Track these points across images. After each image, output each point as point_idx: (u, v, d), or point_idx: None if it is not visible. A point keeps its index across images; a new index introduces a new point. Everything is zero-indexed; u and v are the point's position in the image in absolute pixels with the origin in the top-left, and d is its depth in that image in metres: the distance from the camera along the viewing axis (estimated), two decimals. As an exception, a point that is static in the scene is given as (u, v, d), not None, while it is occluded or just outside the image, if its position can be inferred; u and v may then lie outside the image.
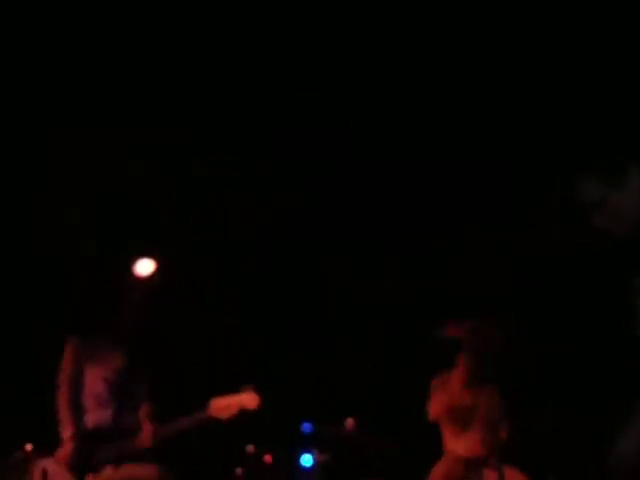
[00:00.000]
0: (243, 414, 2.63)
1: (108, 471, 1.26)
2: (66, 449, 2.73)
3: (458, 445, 3.59)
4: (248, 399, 2.64)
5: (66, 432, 2.79)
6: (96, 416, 2.86)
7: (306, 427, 3.36)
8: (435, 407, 3.52)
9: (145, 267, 3.20)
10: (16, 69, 3.11)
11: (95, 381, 2.92)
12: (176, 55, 3.21)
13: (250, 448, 4.01)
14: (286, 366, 4.36)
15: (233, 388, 2.68)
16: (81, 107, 3.39)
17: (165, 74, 3.28)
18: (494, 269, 4.05)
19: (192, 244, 3.97)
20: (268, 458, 3.96)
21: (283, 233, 4.12)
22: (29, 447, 2.84)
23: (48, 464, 2.77)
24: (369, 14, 3.23)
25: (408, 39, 3.27)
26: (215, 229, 4.04)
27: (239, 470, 3.95)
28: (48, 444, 2.87)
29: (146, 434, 2.72)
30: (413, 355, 4.00)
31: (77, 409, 2.90)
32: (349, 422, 3.28)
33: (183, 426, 2.64)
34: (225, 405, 2.65)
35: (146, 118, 3.52)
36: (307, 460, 3.72)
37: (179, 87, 3.39)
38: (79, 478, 2.56)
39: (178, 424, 2.66)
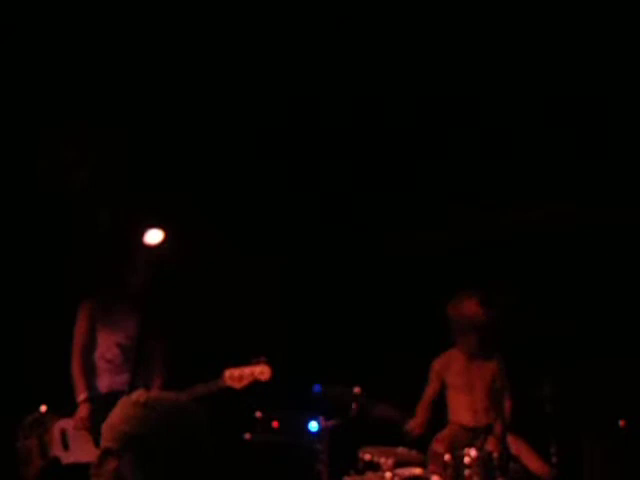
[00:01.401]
0: (255, 384, 2.69)
1: (140, 392, 1.31)
2: (81, 412, 2.81)
3: (462, 415, 3.67)
4: (261, 370, 2.70)
5: (80, 396, 2.86)
6: (111, 381, 2.93)
7: (316, 388, 3.42)
8: (444, 372, 3.59)
9: (154, 237, 3.22)
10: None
11: (110, 347, 2.98)
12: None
13: (258, 414, 4.08)
14: (296, 335, 4.42)
15: (246, 358, 2.74)
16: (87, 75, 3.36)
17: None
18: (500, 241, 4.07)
19: (204, 211, 3.97)
20: (275, 424, 4.03)
21: (294, 193, 4.12)
22: (44, 408, 2.90)
23: (66, 424, 2.84)
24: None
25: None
26: (229, 192, 4.03)
27: (247, 435, 4.03)
28: (62, 406, 2.94)
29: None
30: (422, 327, 4.05)
31: (90, 373, 2.96)
32: (356, 390, 3.34)
33: (197, 393, 2.71)
34: (238, 375, 2.71)
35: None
36: (313, 426, 3.79)
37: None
38: (97, 439, 2.62)
39: (193, 391, 2.72)
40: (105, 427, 1.28)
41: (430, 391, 3.70)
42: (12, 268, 3.60)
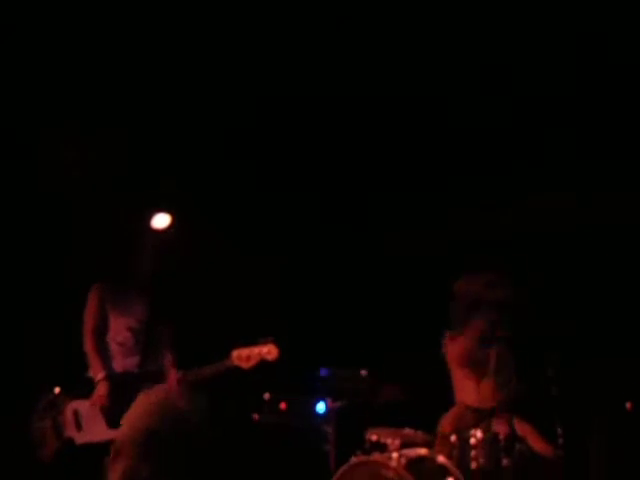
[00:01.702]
0: (263, 364, 2.73)
1: (157, 392, 1.34)
2: (100, 390, 2.85)
3: (468, 396, 3.69)
4: (268, 350, 2.74)
5: (98, 375, 2.91)
6: (123, 363, 2.98)
7: (322, 372, 3.47)
8: (451, 352, 3.62)
9: (161, 221, 3.25)
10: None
11: (120, 330, 3.04)
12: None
13: (266, 395, 4.14)
14: (303, 317, 4.46)
15: (253, 339, 2.78)
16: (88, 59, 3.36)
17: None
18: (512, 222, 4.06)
19: (210, 193, 3.99)
20: (283, 405, 4.09)
21: (302, 178, 4.14)
22: (57, 390, 2.96)
23: (79, 405, 2.90)
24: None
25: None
26: (238, 175, 4.05)
27: (256, 416, 4.10)
28: (74, 387, 3.00)
29: (171, 380, 2.83)
30: (428, 308, 4.06)
31: (105, 353, 3.02)
32: (363, 372, 3.38)
33: (206, 373, 2.75)
34: (246, 355, 2.75)
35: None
36: (321, 407, 3.85)
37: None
38: (110, 419, 2.68)
39: (201, 371, 2.77)
40: (124, 421, 1.31)
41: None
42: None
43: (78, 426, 2.86)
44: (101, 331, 3.07)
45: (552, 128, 3.76)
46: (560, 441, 3.23)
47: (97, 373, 2.92)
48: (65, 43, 3.26)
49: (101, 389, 2.84)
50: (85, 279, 3.16)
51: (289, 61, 3.59)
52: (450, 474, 3.08)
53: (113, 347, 3.04)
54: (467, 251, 4.04)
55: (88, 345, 3.01)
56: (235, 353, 2.77)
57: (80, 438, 2.84)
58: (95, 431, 2.78)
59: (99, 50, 3.33)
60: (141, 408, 1.18)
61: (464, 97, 3.72)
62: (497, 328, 3.62)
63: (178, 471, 1.18)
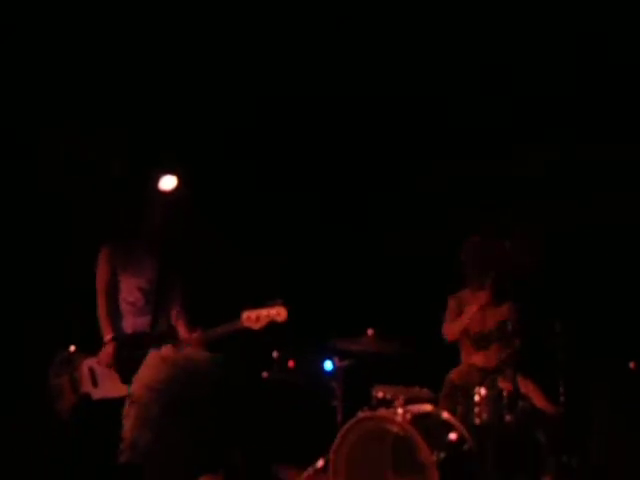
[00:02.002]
0: (272, 325, 2.79)
1: (168, 349, 1.37)
2: (107, 350, 2.94)
3: (474, 356, 3.76)
4: (277, 312, 2.78)
5: (106, 336, 2.99)
6: (134, 323, 3.04)
7: (327, 343, 3.53)
8: (451, 330, 3.68)
9: (168, 182, 3.26)
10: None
11: (131, 290, 3.08)
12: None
13: (275, 354, 4.23)
14: (311, 280, 4.52)
15: (263, 301, 2.82)
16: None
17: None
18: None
19: (219, 156, 3.99)
20: (291, 363, 4.18)
21: (312, 143, 4.14)
22: (72, 348, 3.04)
23: (94, 363, 2.99)
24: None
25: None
26: (244, 140, 4.04)
27: (265, 374, 4.20)
28: (89, 346, 3.07)
29: (182, 340, 2.89)
30: (434, 272, 4.10)
31: (115, 314, 3.08)
32: (369, 332, 3.43)
33: (216, 334, 2.81)
34: (255, 316, 2.80)
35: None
36: (328, 366, 3.94)
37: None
38: (123, 376, 2.76)
39: (211, 332, 2.82)
40: (136, 378, 1.34)
41: (451, 317, 3.75)
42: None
43: (94, 382, 2.95)
44: (112, 292, 3.09)
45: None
46: (562, 399, 3.30)
47: (106, 334, 2.99)
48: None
49: (108, 349, 2.92)
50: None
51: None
52: (454, 429, 3.17)
53: (124, 307, 3.07)
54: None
55: (100, 307, 3.06)
56: (245, 314, 2.81)
57: (96, 394, 2.94)
58: (110, 387, 2.86)
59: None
60: (153, 361, 1.22)
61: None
62: (502, 293, 3.67)
63: (188, 413, 1.22)
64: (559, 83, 3.66)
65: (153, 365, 1.30)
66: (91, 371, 2.98)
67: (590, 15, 3.33)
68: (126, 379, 2.77)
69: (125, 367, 2.81)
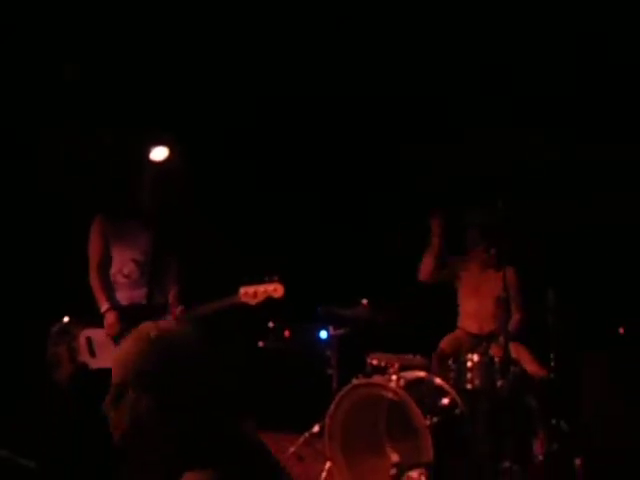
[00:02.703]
0: (269, 301, 2.81)
1: (147, 324, 1.34)
2: (109, 319, 2.93)
3: (469, 322, 3.81)
4: (274, 288, 2.81)
5: (103, 307, 2.98)
6: (130, 295, 3.03)
7: (320, 309, 3.57)
8: (425, 264, 3.72)
9: (160, 153, 3.23)
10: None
11: (125, 262, 3.06)
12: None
13: (271, 324, 4.28)
14: (306, 251, 4.54)
15: (260, 277, 2.84)
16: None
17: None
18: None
19: (212, 126, 3.97)
20: (287, 332, 4.24)
21: (302, 112, 4.12)
22: (67, 318, 3.04)
23: (92, 333, 3.00)
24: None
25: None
26: (240, 108, 4.02)
27: (261, 343, 4.25)
28: (83, 316, 3.07)
29: (179, 313, 2.91)
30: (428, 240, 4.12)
31: (109, 285, 3.07)
32: (363, 302, 3.47)
33: (213, 309, 2.83)
34: (253, 292, 2.82)
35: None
36: (323, 334, 3.99)
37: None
38: None
39: (208, 307, 2.85)
40: (116, 363, 1.29)
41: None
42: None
43: (91, 352, 2.98)
44: (105, 264, 3.06)
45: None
46: (553, 364, 3.36)
47: (102, 305, 2.97)
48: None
49: (110, 318, 2.92)
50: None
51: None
52: (446, 394, 3.24)
53: (119, 279, 3.05)
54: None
55: (92, 279, 3.04)
56: (242, 290, 2.83)
57: (94, 363, 2.97)
58: (108, 358, 2.89)
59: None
60: (131, 348, 1.20)
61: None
62: (499, 258, 3.71)
63: (166, 393, 1.18)
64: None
65: (134, 349, 1.26)
66: (89, 341, 2.99)
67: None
68: None
69: (123, 339, 2.83)
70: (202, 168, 4.04)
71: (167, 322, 1.38)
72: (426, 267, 3.77)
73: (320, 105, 4.14)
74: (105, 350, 2.93)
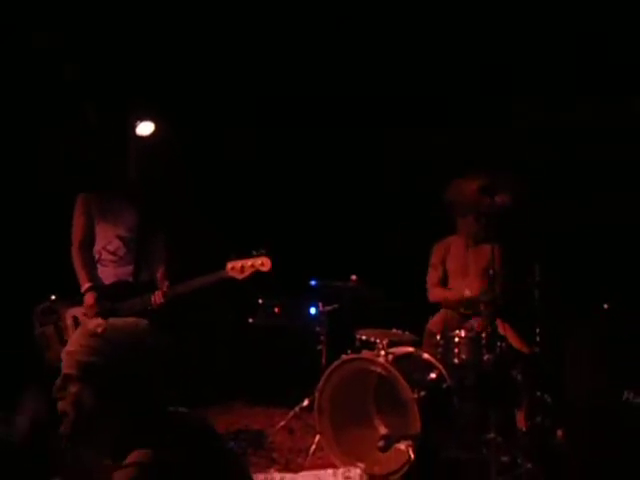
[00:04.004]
0: (257, 275, 2.83)
1: (97, 320, 1.40)
2: (88, 300, 2.93)
3: (456, 289, 3.82)
4: (261, 262, 2.81)
5: (84, 286, 2.96)
6: (116, 272, 3.01)
7: (313, 283, 3.59)
8: (434, 296, 3.78)
9: (145, 128, 3.20)
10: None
11: (111, 239, 3.03)
12: None
13: (260, 300, 4.31)
14: (295, 227, 4.55)
15: (247, 251, 2.85)
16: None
17: None
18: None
19: (199, 103, 3.93)
20: (277, 309, 4.27)
21: (293, 86, 4.10)
22: (53, 297, 3.02)
23: (77, 312, 2.99)
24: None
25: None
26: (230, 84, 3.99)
27: (251, 320, 4.29)
28: (69, 295, 3.06)
29: (165, 290, 2.92)
30: (419, 216, 4.15)
31: (93, 265, 3.03)
32: (352, 278, 3.50)
33: (200, 284, 2.84)
34: (240, 267, 2.83)
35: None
36: (312, 311, 4.04)
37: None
38: None
39: (195, 282, 2.85)
40: (64, 354, 1.35)
41: (435, 275, 3.87)
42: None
43: None
44: (89, 242, 3.02)
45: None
46: (538, 339, 3.43)
47: (83, 284, 2.95)
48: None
49: (88, 299, 2.91)
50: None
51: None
52: (434, 368, 3.30)
53: (105, 256, 3.02)
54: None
55: (75, 258, 3.00)
56: (229, 265, 2.83)
57: None
58: None
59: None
60: (79, 341, 1.24)
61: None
62: (485, 233, 3.74)
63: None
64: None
65: (82, 343, 1.32)
66: (75, 320, 2.98)
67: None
68: None
69: (107, 316, 2.83)
70: (189, 142, 4.02)
71: (119, 320, 1.43)
72: (437, 298, 3.85)
73: (311, 74, 4.11)
74: None
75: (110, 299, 2.93)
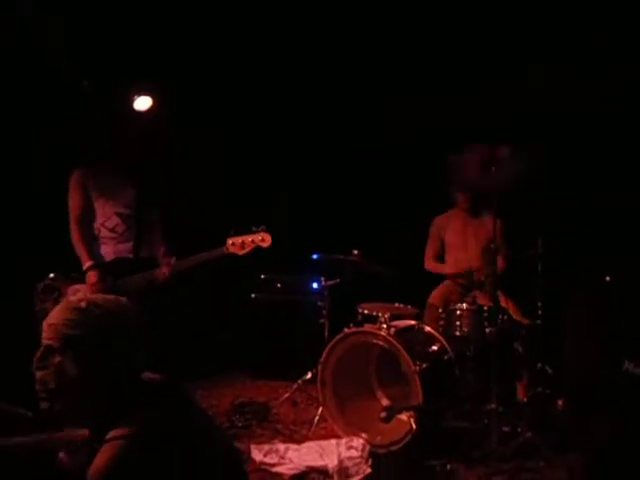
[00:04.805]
0: (257, 250, 2.84)
1: (80, 294, 1.45)
2: (91, 278, 2.92)
3: (458, 262, 3.83)
4: (262, 238, 2.82)
5: (86, 264, 2.94)
6: (115, 249, 2.99)
7: (315, 256, 3.60)
8: (432, 268, 3.80)
9: (143, 103, 3.16)
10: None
11: (109, 216, 3.00)
12: None
13: (262, 276, 4.33)
14: (297, 201, 4.54)
15: (246, 227, 2.85)
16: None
17: None
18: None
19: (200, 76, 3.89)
20: (279, 284, 4.29)
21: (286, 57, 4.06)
22: (52, 275, 2.95)
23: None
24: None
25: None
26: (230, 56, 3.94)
27: (253, 295, 4.31)
28: (69, 273, 3.05)
29: (166, 265, 2.92)
30: (421, 190, 4.13)
31: (92, 243, 2.98)
32: (355, 252, 3.50)
33: (200, 260, 2.85)
34: (240, 243, 2.84)
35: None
36: (315, 285, 4.05)
37: None
38: None
39: (196, 258, 2.86)
40: (45, 325, 1.39)
41: (431, 249, 3.91)
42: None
43: None
44: (87, 219, 2.98)
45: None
46: (540, 312, 3.44)
47: (84, 263, 2.93)
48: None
49: (91, 277, 2.89)
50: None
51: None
52: (436, 341, 3.32)
53: (104, 233, 2.99)
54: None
55: (74, 235, 2.96)
56: (229, 241, 2.83)
57: None
58: None
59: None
60: (61, 313, 1.28)
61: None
62: (484, 206, 3.74)
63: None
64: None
65: (64, 315, 1.35)
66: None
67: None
68: None
69: (111, 292, 2.84)
70: (190, 116, 3.98)
71: (100, 296, 1.46)
72: (432, 267, 3.92)
73: (309, 44, 4.06)
74: None
75: (112, 276, 2.93)
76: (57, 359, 1.36)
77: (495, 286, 3.40)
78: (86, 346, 1.36)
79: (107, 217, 3.00)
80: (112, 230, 3.00)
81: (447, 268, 3.87)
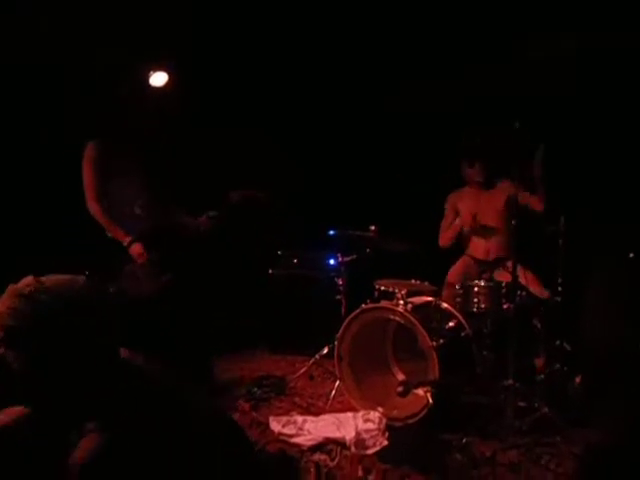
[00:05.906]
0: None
1: (28, 279, 1.33)
2: (137, 249, 2.90)
3: (475, 248, 3.82)
4: (263, 194, 2.87)
5: (125, 240, 2.93)
6: (134, 228, 2.99)
7: (332, 232, 3.59)
8: (444, 238, 3.77)
9: (159, 79, 3.16)
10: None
11: (124, 188, 2.98)
12: None
13: (280, 252, 4.35)
14: (314, 177, 4.52)
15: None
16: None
17: None
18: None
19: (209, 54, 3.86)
20: (296, 261, 4.30)
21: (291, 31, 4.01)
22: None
23: (133, 267, 2.96)
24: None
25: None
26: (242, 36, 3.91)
27: (271, 270, 4.34)
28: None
29: (200, 221, 3.00)
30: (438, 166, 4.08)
31: (112, 217, 2.96)
32: (372, 228, 3.49)
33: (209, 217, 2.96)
34: (240, 193, 2.91)
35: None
36: (332, 261, 4.06)
37: None
38: (163, 266, 2.88)
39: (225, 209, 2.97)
40: None
41: (445, 224, 3.89)
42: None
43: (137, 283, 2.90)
44: (104, 192, 2.93)
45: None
46: (560, 289, 3.40)
47: (124, 238, 2.90)
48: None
49: (137, 248, 2.87)
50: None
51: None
52: (453, 317, 3.31)
53: (121, 210, 2.97)
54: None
55: (97, 212, 2.90)
56: (231, 193, 2.95)
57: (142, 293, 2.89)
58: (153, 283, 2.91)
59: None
60: (4, 302, 1.18)
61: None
62: (496, 178, 3.71)
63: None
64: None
65: (7, 304, 1.23)
66: (133, 274, 2.94)
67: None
68: (167, 267, 2.88)
69: (157, 259, 2.89)
70: (205, 92, 3.97)
71: (52, 277, 1.29)
72: (446, 240, 3.90)
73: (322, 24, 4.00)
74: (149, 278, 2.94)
75: (153, 243, 2.94)
76: (1, 350, 1.22)
77: (514, 260, 3.37)
78: (28, 339, 1.21)
79: (122, 188, 2.96)
80: (129, 205, 3.00)
81: (459, 221, 3.84)
